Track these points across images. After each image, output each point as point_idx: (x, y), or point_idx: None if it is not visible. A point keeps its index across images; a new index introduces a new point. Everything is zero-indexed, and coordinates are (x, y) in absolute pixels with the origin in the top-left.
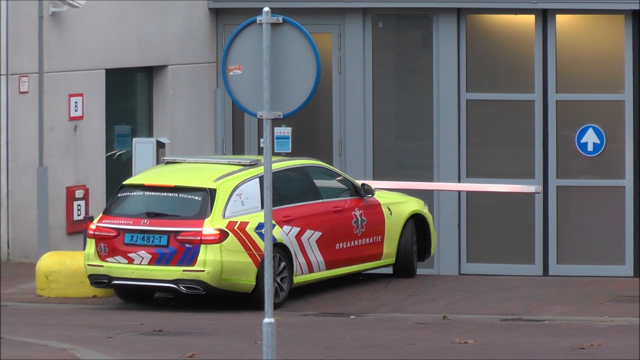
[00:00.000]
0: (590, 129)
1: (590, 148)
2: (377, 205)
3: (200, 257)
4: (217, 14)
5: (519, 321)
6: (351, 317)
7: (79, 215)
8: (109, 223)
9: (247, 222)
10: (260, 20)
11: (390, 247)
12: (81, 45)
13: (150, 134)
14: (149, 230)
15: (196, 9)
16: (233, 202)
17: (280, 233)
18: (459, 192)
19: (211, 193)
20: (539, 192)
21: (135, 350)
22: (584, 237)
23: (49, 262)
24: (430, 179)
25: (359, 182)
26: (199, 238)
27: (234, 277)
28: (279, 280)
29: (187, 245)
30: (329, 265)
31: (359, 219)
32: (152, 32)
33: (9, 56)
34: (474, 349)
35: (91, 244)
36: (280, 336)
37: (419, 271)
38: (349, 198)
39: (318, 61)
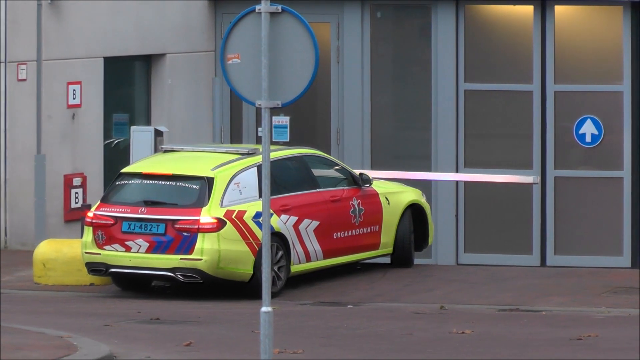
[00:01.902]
0: (589, 120)
1: (588, 139)
2: (375, 194)
3: (198, 245)
4: (215, 2)
5: (516, 311)
6: (348, 306)
7: (76, 203)
8: (106, 211)
9: (245, 211)
10: (259, 9)
11: (387, 237)
12: (79, 33)
13: (148, 122)
14: (146, 219)
15: None
16: (231, 190)
17: (277, 222)
18: (457, 182)
19: (209, 182)
20: (537, 183)
21: (132, 339)
22: (581, 228)
23: (46, 249)
24: (428, 169)
25: (356, 172)
26: (197, 226)
27: (231, 266)
28: (276, 269)
29: (185, 234)
30: (327, 255)
31: (357, 208)
32: (150, 20)
33: (7, 44)
34: (471, 339)
35: (89, 232)
36: (277, 325)
37: (417, 261)
38: (347, 187)
39: (317, 50)
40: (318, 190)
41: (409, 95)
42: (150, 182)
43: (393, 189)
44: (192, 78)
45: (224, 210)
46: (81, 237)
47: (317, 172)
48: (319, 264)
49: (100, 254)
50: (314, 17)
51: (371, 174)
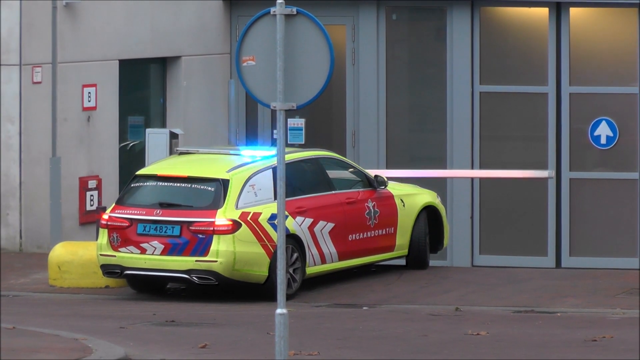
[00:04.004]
0: (604, 122)
1: (603, 141)
2: (390, 196)
3: (213, 247)
4: (230, 4)
5: (532, 313)
6: (364, 308)
7: (91, 205)
8: (121, 213)
9: (260, 213)
10: (274, 11)
11: (403, 239)
12: (95, 36)
13: (163, 124)
14: (161, 221)
15: None
16: (246, 192)
17: (293, 224)
18: (472, 183)
19: (224, 184)
20: (553, 177)
21: (147, 341)
22: (596, 229)
23: (61, 252)
24: None
25: (372, 174)
26: (212, 228)
27: (247, 268)
28: (291, 271)
29: (200, 236)
30: (342, 257)
31: (372, 210)
32: (165, 22)
33: (22, 46)
34: (487, 340)
35: (104, 234)
36: (292, 327)
37: (432, 263)
38: (362, 189)
39: (332, 53)
40: (333, 192)
41: (424, 97)
42: (166, 184)
43: (408, 191)
44: (207, 80)
45: (239, 212)
46: (96, 239)
47: (333, 174)
48: (334, 266)
49: (115, 256)
50: (329, 19)
51: (385, 172)
